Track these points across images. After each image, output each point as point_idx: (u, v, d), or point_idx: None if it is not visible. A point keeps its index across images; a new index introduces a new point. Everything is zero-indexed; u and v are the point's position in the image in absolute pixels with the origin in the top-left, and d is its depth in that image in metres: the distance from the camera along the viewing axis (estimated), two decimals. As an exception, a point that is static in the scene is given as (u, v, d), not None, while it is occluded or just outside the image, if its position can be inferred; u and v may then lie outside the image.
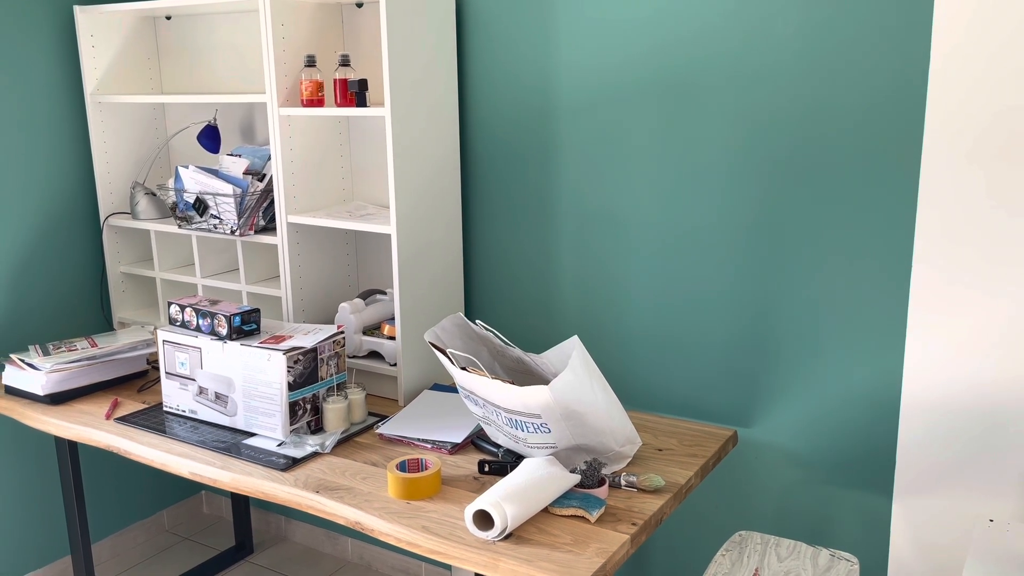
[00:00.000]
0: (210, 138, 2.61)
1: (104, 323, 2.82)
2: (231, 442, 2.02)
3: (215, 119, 2.63)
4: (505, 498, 1.59)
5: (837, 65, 1.85)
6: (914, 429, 1.89)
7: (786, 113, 1.92)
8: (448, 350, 1.85)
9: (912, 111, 1.79)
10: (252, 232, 2.41)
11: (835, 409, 1.99)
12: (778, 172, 1.96)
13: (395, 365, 2.24)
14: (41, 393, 2.25)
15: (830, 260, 1.94)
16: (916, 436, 1.89)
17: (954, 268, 1.79)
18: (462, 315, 1.96)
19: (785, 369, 2.03)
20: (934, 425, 1.87)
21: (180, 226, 2.51)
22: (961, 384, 1.83)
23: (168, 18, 2.73)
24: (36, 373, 2.25)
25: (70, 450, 2.39)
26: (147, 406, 2.24)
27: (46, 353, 2.32)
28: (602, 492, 1.72)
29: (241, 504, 2.89)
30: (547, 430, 1.75)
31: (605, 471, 1.83)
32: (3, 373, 2.35)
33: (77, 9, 2.57)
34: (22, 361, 2.28)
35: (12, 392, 2.32)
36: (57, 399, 2.26)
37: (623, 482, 1.77)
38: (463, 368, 1.81)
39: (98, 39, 2.63)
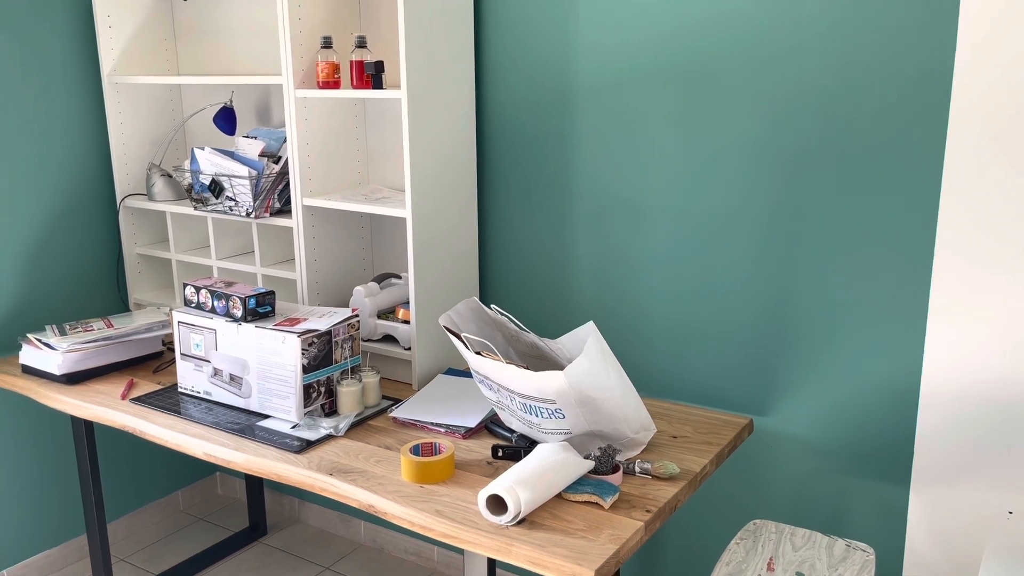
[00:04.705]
0: (226, 120, 2.60)
1: (120, 304, 2.83)
2: (245, 424, 2.02)
3: (231, 101, 2.62)
4: (519, 483, 1.59)
5: (861, 49, 1.82)
6: (933, 419, 1.87)
7: (808, 98, 1.89)
8: (463, 334, 1.84)
9: (937, 97, 1.76)
10: (267, 214, 2.40)
11: (853, 398, 1.97)
12: (799, 158, 1.93)
13: (409, 349, 2.23)
14: (58, 373, 2.26)
15: (851, 248, 1.91)
16: (935, 426, 1.87)
17: (977, 258, 1.77)
18: (477, 299, 1.95)
19: (803, 358, 2.01)
20: (953, 415, 1.84)
21: (196, 208, 2.51)
22: (981, 375, 1.80)
23: (185, -1, 2.72)
24: (53, 353, 2.26)
25: (86, 430, 2.41)
26: (162, 387, 2.25)
27: (63, 333, 2.33)
28: (616, 479, 1.71)
29: (255, 486, 2.91)
30: (561, 416, 1.74)
31: (619, 458, 1.82)
32: (20, 352, 2.36)
33: (94, -11, 2.56)
34: (39, 341, 2.29)
35: (29, 371, 2.34)
36: (73, 379, 2.27)
37: (637, 469, 1.76)
38: (477, 353, 1.80)
39: (115, 19, 2.62)
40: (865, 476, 1.98)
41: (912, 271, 1.85)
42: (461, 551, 2.68)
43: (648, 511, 1.62)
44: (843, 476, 2.01)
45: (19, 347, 2.59)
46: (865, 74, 1.82)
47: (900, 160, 1.82)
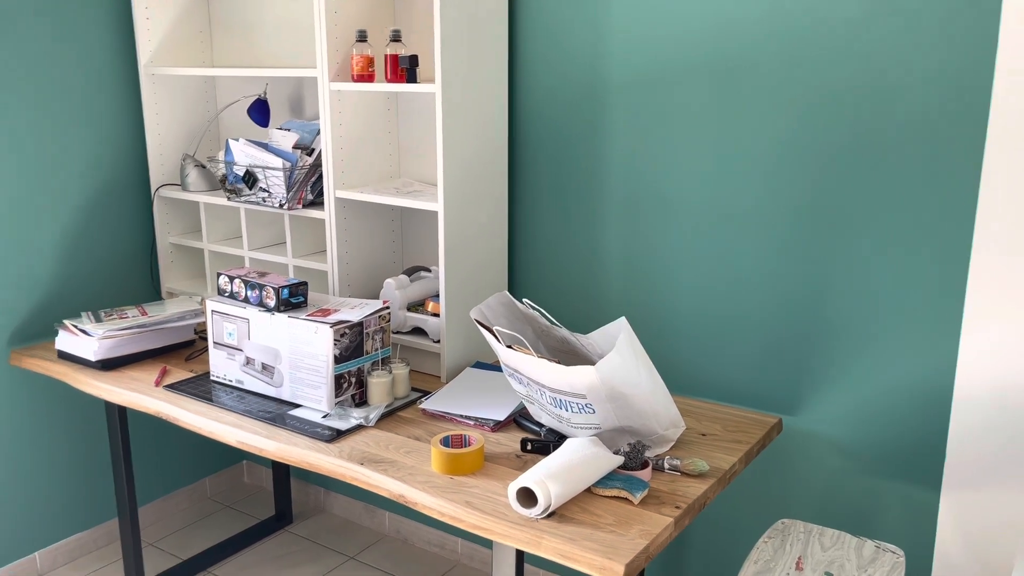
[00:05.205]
0: (260, 112, 2.62)
1: (153, 293, 2.87)
2: (276, 412, 2.04)
3: (265, 93, 2.64)
4: (549, 476, 1.60)
5: (898, 46, 1.80)
6: (966, 422, 1.85)
7: (844, 93, 1.88)
8: (495, 328, 1.85)
9: (977, 95, 1.74)
10: (300, 206, 2.42)
11: (884, 399, 1.96)
12: (833, 154, 1.92)
13: (438, 342, 2.25)
14: (93, 359, 2.30)
15: (885, 245, 1.90)
16: (968, 429, 1.85)
17: (1014, 259, 1.75)
18: (508, 293, 1.96)
19: (834, 357, 2.00)
20: (987, 417, 1.83)
21: (229, 198, 2.53)
22: (1016, 377, 1.78)
23: (221, -9, 2.75)
24: (88, 339, 2.29)
25: (119, 416, 2.44)
26: (194, 375, 2.28)
27: (98, 320, 2.36)
28: (645, 474, 1.71)
29: (282, 474, 2.93)
30: (591, 411, 1.75)
31: (648, 454, 1.83)
32: (56, 338, 2.40)
33: (133, -19, 2.60)
34: (75, 327, 2.33)
35: (65, 357, 2.38)
36: (108, 365, 2.31)
37: (667, 465, 1.76)
38: (508, 346, 1.81)
39: (153, 11, 2.65)
40: (895, 477, 1.97)
41: (948, 270, 1.84)
42: (486, 543, 2.69)
43: (678, 507, 1.63)
44: (873, 477, 2.00)
45: (56, 333, 2.63)
46: (902, 70, 1.81)
47: (938, 157, 1.81)
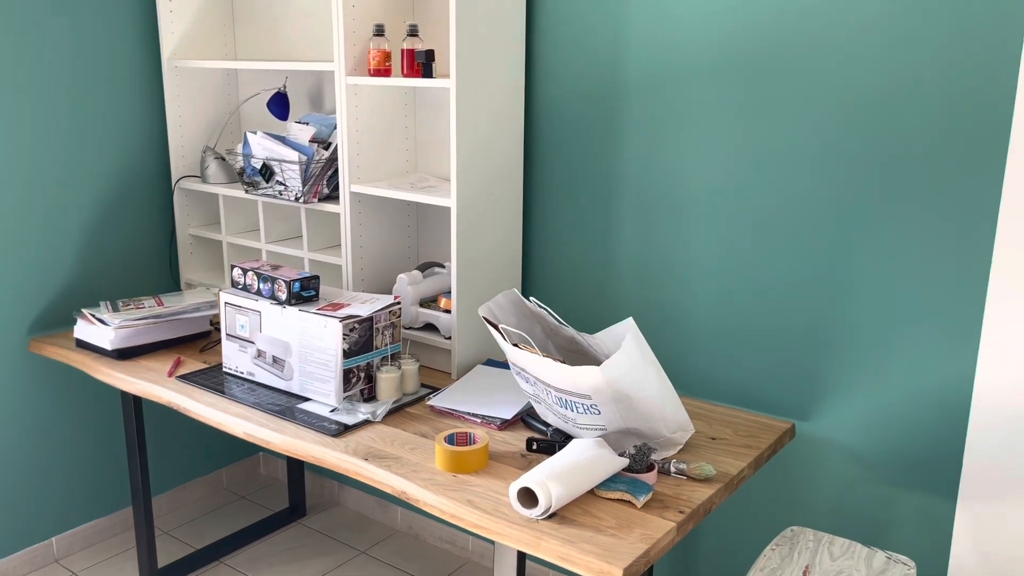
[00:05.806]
0: (279, 105, 2.63)
1: (172, 283, 2.89)
2: (286, 405, 2.05)
3: (285, 86, 2.65)
4: (551, 477, 1.58)
5: (922, 48, 1.76)
6: (984, 430, 1.80)
7: (864, 96, 1.84)
8: (500, 326, 1.84)
9: (1000, 98, 1.69)
10: (316, 200, 2.43)
11: (900, 406, 1.91)
12: (852, 157, 1.88)
13: (450, 338, 2.24)
14: (109, 348, 2.32)
15: (904, 252, 1.85)
16: (986, 438, 1.80)
17: (1038, 266, 1.70)
18: (517, 291, 1.94)
19: (849, 363, 1.96)
20: (1006, 427, 1.78)
21: (247, 191, 2.55)
22: (1038, 389, 1.73)
23: (243, -15, 2.76)
24: (105, 328, 2.32)
25: (134, 405, 2.46)
26: (207, 366, 2.29)
27: (115, 310, 2.39)
28: (650, 478, 1.69)
29: (296, 467, 2.95)
30: (597, 412, 1.73)
31: (654, 457, 1.80)
32: (75, 327, 2.43)
33: (156, -26, 2.62)
34: (93, 316, 2.35)
35: (82, 345, 2.41)
36: (124, 354, 2.33)
37: (672, 469, 1.73)
38: (515, 345, 1.80)
39: (176, 4, 2.68)
40: (910, 487, 1.93)
41: (967, 276, 1.79)
42: (493, 542, 2.68)
43: (681, 512, 1.60)
44: (886, 486, 1.96)
45: (75, 322, 2.66)
46: (924, 72, 1.76)
47: (959, 162, 1.76)
